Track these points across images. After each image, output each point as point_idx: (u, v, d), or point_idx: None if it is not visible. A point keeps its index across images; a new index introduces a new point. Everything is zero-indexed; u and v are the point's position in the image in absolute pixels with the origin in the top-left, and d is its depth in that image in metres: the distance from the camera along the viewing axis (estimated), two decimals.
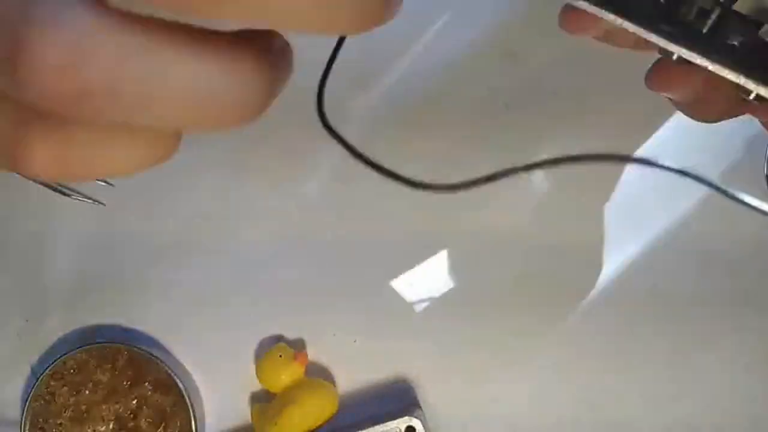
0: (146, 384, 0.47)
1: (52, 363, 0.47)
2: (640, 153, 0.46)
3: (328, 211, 0.48)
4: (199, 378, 0.49)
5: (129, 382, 0.47)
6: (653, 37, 0.24)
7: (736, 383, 0.46)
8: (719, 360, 0.46)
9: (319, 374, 0.48)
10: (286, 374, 0.46)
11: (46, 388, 0.47)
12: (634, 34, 0.23)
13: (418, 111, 0.48)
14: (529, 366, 0.47)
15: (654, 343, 0.46)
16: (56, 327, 0.50)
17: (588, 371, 0.46)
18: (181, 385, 0.46)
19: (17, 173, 0.17)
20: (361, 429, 0.45)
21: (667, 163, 0.18)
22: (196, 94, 0.15)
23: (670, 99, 0.29)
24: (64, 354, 0.47)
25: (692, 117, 0.29)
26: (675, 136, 0.47)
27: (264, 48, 0.16)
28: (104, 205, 0.48)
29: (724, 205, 0.21)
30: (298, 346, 0.48)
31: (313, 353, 0.48)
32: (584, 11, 0.23)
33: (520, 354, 0.46)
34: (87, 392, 0.47)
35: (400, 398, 0.47)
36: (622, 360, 0.46)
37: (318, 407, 0.46)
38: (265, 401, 0.48)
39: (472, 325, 0.47)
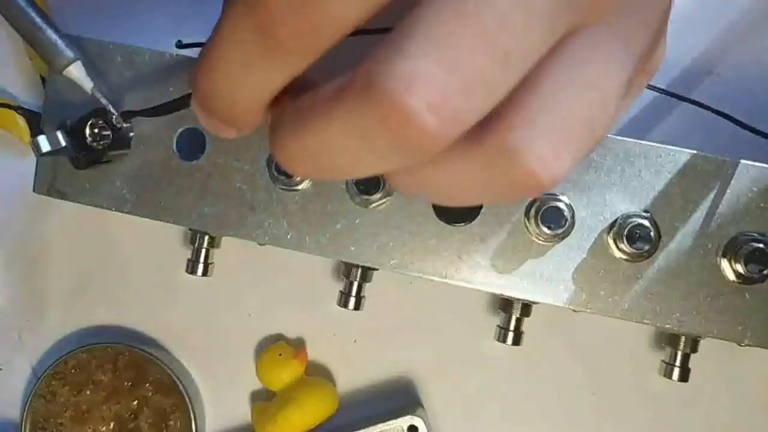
0: (147, 385, 0.47)
1: (54, 362, 0.47)
2: None
3: None
4: (199, 377, 0.49)
5: (130, 383, 0.47)
6: None
7: None
8: None
9: (319, 374, 0.48)
10: (285, 373, 0.46)
11: (47, 387, 0.47)
12: None
13: None
14: (532, 364, 0.47)
15: None
16: (57, 327, 0.50)
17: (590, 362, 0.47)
18: (181, 387, 0.46)
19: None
20: (363, 428, 0.45)
21: None
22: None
23: None
24: (66, 354, 0.47)
25: None
26: None
27: None
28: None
29: None
30: (298, 345, 0.48)
31: (313, 353, 0.48)
32: None
33: (524, 351, 0.46)
34: (88, 392, 0.47)
35: (401, 397, 0.47)
36: None
37: (318, 406, 0.46)
38: (265, 400, 0.48)
39: (475, 323, 0.47)
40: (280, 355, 0.47)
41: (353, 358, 0.48)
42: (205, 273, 0.45)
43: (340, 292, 0.43)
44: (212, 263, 0.45)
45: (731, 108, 0.38)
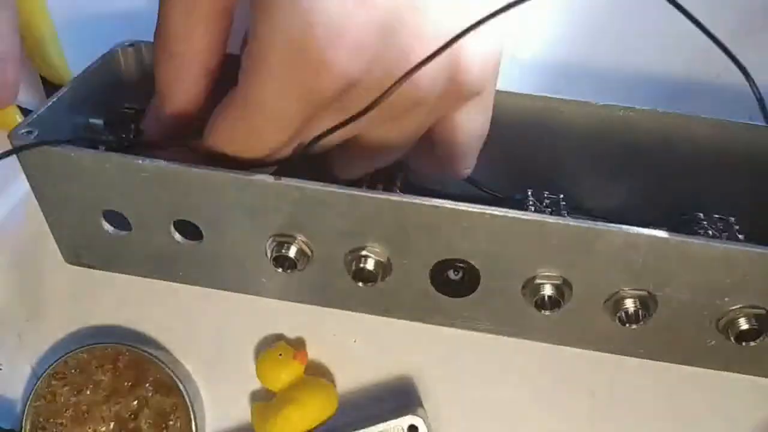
0: (147, 385, 0.47)
1: (54, 362, 0.47)
2: None
3: None
4: (199, 377, 0.49)
5: (130, 383, 0.47)
6: None
7: None
8: None
9: (319, 374, 0.48)
10: (285, 373, 0.46)
11: (47, 387, 0.47)
12: None
13: None
14: (533, 363, 0.47)
15: None
16: (57, 327, 0.50)
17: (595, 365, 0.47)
18: (182, 387, 0.46)
19: None
20: (363, 428, 0.45)
21: None
22: None
23: None
24: (66, 354, 0.47)
25: None
26: None
27: None
28: None
29: None
30: (298, 345, 0.48)
31: (313, 353, 0.48)
32: None
33: (525, 351, 0.46)
34: (88, 392, 0.47)
35: (401, 397, 0.47)
36: None
37: (318, 406, 0.46)
38: (265, 400, 0.48)
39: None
40: (280, 355, 0.47)
41: (353, 358, 0.48)
42: None
43: None
44: None
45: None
